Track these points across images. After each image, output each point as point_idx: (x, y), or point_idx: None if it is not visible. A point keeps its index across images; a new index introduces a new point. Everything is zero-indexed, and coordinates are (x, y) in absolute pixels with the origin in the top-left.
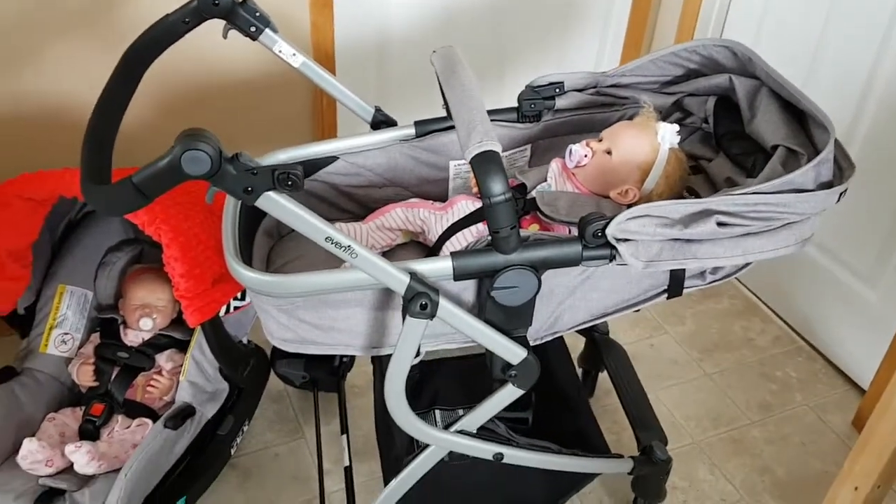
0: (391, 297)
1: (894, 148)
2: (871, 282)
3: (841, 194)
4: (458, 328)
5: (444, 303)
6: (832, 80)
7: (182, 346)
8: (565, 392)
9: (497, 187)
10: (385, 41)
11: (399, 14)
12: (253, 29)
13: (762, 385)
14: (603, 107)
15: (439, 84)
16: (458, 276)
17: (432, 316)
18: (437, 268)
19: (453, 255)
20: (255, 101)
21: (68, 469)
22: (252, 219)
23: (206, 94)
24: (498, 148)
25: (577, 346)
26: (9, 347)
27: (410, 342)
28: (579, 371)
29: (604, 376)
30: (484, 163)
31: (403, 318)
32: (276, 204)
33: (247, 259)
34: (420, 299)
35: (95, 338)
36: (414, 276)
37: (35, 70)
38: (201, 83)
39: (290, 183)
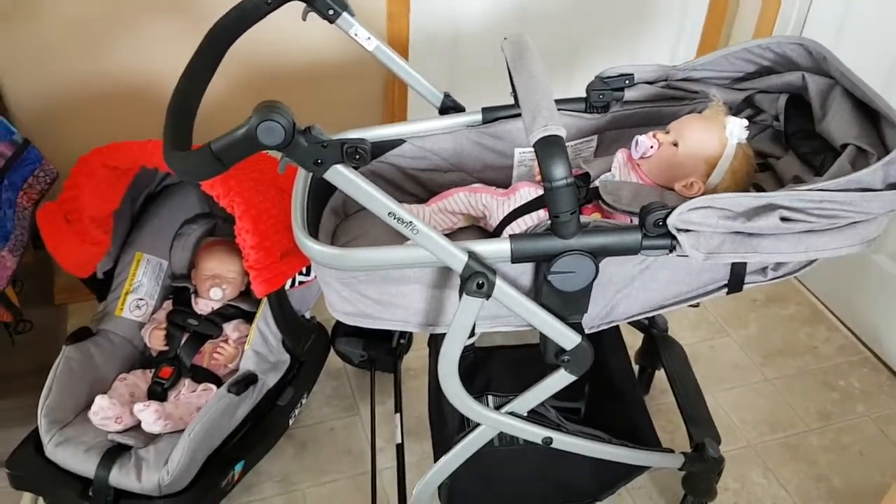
0: (449, 277)
1: None
2: None
3: None
4: (513, 309)
5: (500, 283)
6: None
7: (248, 318)
8: (620, 386)
9: (559, 171)
10: (458, 31)
11: (473, 5)
12: (331, 12)
13: (823, 393)
14: (672, 100)
15: (508, 72)
16: (516, 258)
17: (488, 296)
18: (495, 249)
19: (512, 237)
20: (328, 85)
21: (136, 427)
22: (320, 197)
23: (282, 76)
24: (562, 132)
25: (634, 343)
26: (86, 310)
27: (465, 320)
28: (636, 367)
29: (660, 375)
30: (547, 146)
31: (460, 297)
32: (344, 177)
33: (313, 234)
34: (477, 278)
35: (168, 305)
36: (472, 255)
37: (125, 49)
38: (276, 65)
39: (357, 157)
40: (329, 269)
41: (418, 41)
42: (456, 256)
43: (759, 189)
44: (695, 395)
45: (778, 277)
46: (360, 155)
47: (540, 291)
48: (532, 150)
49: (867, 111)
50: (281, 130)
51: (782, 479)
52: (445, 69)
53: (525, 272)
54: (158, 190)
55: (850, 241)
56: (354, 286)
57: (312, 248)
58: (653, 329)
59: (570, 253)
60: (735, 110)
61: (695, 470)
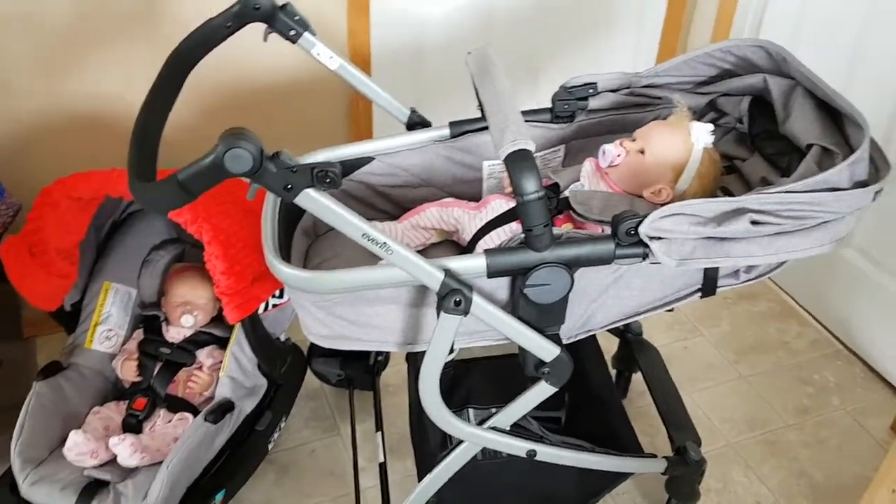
0: (426, 295)
1: None
2: None
3: (876, 193)
4: (491, 325)
5: (477, 299)
6: (871, 81)
7: (222, 343)
8: (598, 393)
9: (530, 185)
10: (420, 45)
11: (434, 19)
12: (292, 32)
13: (799, 388)
14: (636, 107)
15: (474, 85)
16: (492, 273)
17: (466, 312)
18: (470, 265)
19: (487, 252)
20: (292, 104)
21: (112, 461)
22: (290, 218)
23: (244, 97)
24: (531, 146)
25: (610, 347)
26: (54, 344)
27: (444, 338)
28: (613, 372)
29: (637, 378)
30: (517, 161)
31: (438, 315)
32: (315, 201)
33: (285, 257)
34: (454, 296)
35: (139, 334)
36: (448, 272)
37: (82, 74)
38: (239, 87)
39: (328, 180)
40: (303, 293)
41: (380, 56)
42: (432, 275)
43: (727, 192)
44: (673, 399)
45: (751, 279)
46: (331, 179)
47: (517, 305)
48: (501, 162)
49: (829, 110)
50: (249, 157)
51: (763, 476)
52: (408, 83)
53: (501, 286)
54: (123, 217)
55: (820, 240)
56: (330, 308)
57: (286, 272)
58: (627, 333)
59: (544, 265)
60: (699, 114)
61: (678, 473)
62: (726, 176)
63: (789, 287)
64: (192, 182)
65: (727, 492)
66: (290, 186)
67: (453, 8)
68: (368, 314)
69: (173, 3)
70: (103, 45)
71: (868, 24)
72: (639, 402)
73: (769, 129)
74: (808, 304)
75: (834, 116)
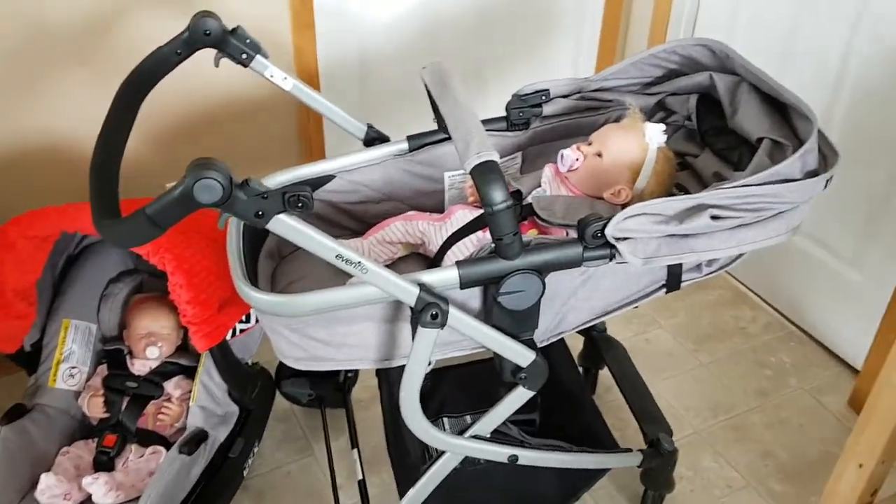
0: (400, 310)
1: (869, 133)
2: (856, 264)
3: (827, 181)
4: (468, 335)
5: (453, 311)
6: (806, 70)
7: (189, 372)
8: (570, 391)
9: (498, 196)
10: (365, 59)
11: (377, 32)
12: (244, 56)
13: (757, 372)
14: (588, 111)
15: (430, 98)
16: (465, 284)
17: (443, 325)
18: (443, 278)
19: (458, 263)
20: (241, 127)
21: (86, 501)
22: (254, 242)
23: (193, 123)
24: (496, 157)
25: (576, 346)
26: (10, 385)
27: (423, 352)
28: (580, 370)
29: (603, 374)
30: (484, 173)
31: (413, 329)
32: (287, 226)
33: (252, 282)
34: (431, 309)
35: (102, 370)
36: (423, 286)
37: (30, 110)
38: (188, 112)
39: (300, 205)
40: (276, 317)
41: (327, 70)
42: (407, 290)
43: (682, 188)
44: (642, 393)
45: (713, 272)
46: (304, 202)
47: (490, 313)
48: (462, 172)
49: (775, 104)
50: (218, 187)
51: (732, 460)
52: (357, 97)
53: (473, 296)
54: (77, 252)
55: (777, 230)
56: (303, 331)
57: (257, 297)
58: (593, 332)
59: (516, 273)
60: (648, 114)
61: (653, 465)
62: (680, 172)
63: (740, 274)
64: (161, 216)
65: (699, 478)
66: (261, 213)
67: (398, 18)
68: (343, 333)
69: (118, 34)
70: (45, 77)
71: (799, 14)
72: (606, 398)
73: (717, 125)
74: (759, 289)
75: (780, 109)
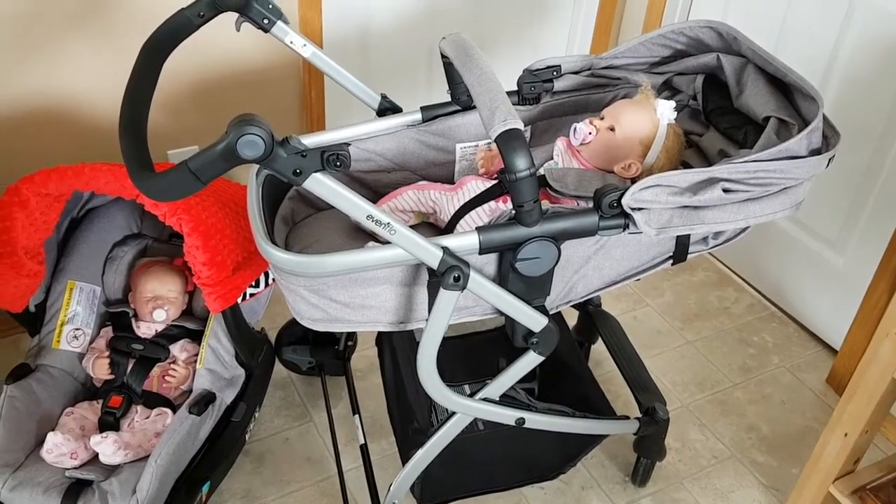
0: (418, 274)
1: (857, 119)
2: (838, 248)
3: (829, 160)
4: (486, 299)
5: (474, 275)
6: (798, 55)
7: (194, 336)
8: (567, 362)
9: (522, 163)
10: (368, 33)
11: (381, 6)
12: (266, 21)
13: (741, 350)
14: (597, 87)
15: (445, 69)
16: (485, 249)
17: (464, 287)
18: (464, 242)
19: (479, 229)
20: (244, 97)
21: (92, 460)
22: (268, 207)
23: (198, 89)
24: (521, 125)
25: (569, 321)
26: (7, 346)
27: (444, 314)
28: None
29: (595, 348)
30: (509, 140)
31: (430, 293)
32: (323, 185)
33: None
34: (453, 272)
35: (106, 332)
36: (446, 250)
37: (37, 72)
38: (192, 78)
39: (338, 163)
40: (296, 277)
41: (331, 42)
42: (432, 252)
43: (687, 165)
44: (636, 364)
45: (718, 244)
46: (342, 161)
47: (506, 279)
48: (473, 144)
49: (779, 85)
50: (261, 143)
51: (717, 433)
52: (359, 69)
53: (489, 262)
54: (82, 215)
55: (783, 205)
56: (324, 292)
57: (282, 257)
58: (588, 306)
59: (534, 239)
60: (655, 92)
61: (647, 433)
62: (685, 150)
63: (724, 257)
64: (203, 169)
65: (686, 449)
66: (299, 171)
67: None
68: (362, 295)
69: None
70: (53, 39)
71: (791, 8)
72: (597, 371)
73: (722, 105)
74: (743, 271)
75: (784, 91)
